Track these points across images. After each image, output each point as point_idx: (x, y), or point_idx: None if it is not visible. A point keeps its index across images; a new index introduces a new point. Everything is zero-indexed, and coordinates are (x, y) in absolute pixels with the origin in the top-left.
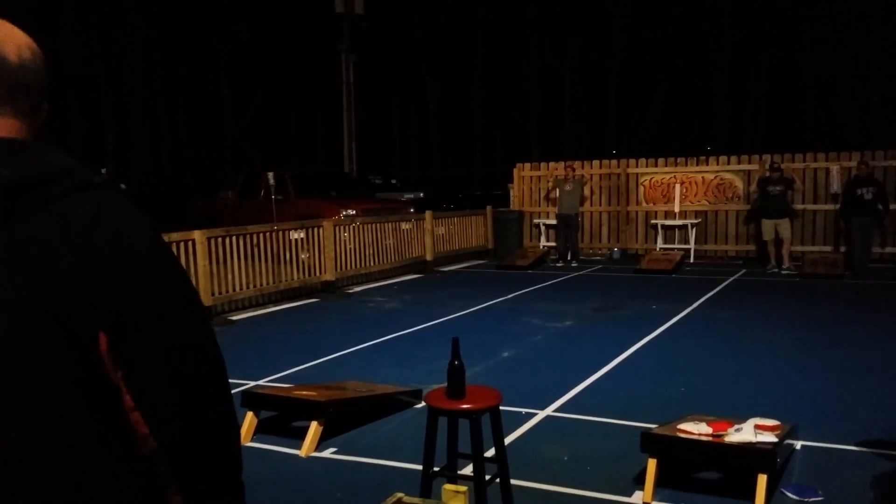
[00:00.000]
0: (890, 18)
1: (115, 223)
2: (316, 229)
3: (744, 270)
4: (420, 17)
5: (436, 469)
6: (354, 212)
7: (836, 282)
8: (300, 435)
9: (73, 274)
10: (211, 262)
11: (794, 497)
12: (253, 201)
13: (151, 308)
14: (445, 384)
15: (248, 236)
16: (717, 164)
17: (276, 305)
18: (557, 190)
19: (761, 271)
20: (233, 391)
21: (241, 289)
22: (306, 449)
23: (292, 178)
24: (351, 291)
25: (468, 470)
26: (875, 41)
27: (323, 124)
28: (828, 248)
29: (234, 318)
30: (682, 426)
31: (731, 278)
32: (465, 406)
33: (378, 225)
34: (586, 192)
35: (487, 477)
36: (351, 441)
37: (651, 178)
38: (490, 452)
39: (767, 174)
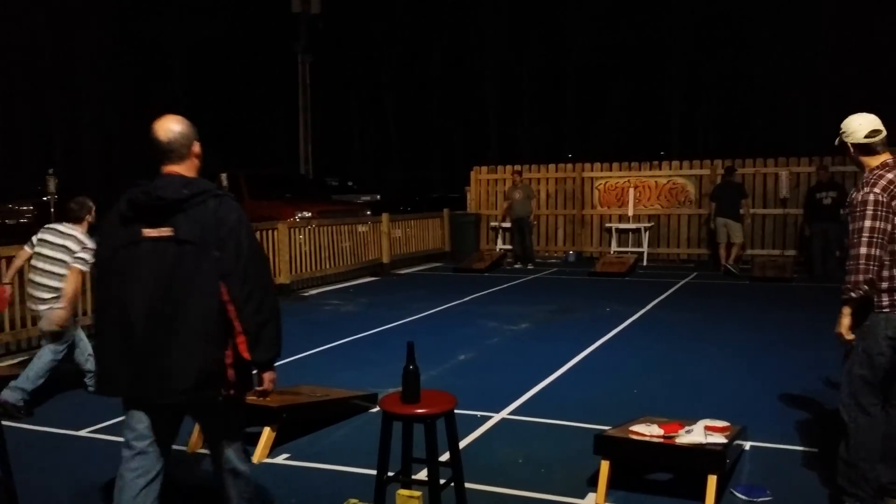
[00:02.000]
0: (839, 23)
1: (224, 209)
2: (270, 231)
3: (695, 273)
4: (378, 18)
5: (390, 474)
6: (310, 214)
7: (785, 285)
8: (252, 441)
9: (210, 228)
10: None
11: (743, 497)
12: None
13: (235, 243)
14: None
15: None
16: (670, 168)
17: None
18: (509, 200)
19: (712, 274)
20: None
21: None
22: (259, 455)
23: (246, 179)
24: (306, 294)
25: (422, 475)
26: (823, 47)
27: (278, 125)
28: (776, 252)
29: None
30: (635, 428)
31: (683, 281)
32: (420, 410)
33: (334, 227)
34: (542, 195)
35: (442, 481)
36: (304, 447)
37: (606, 183)
38: (444, 457)
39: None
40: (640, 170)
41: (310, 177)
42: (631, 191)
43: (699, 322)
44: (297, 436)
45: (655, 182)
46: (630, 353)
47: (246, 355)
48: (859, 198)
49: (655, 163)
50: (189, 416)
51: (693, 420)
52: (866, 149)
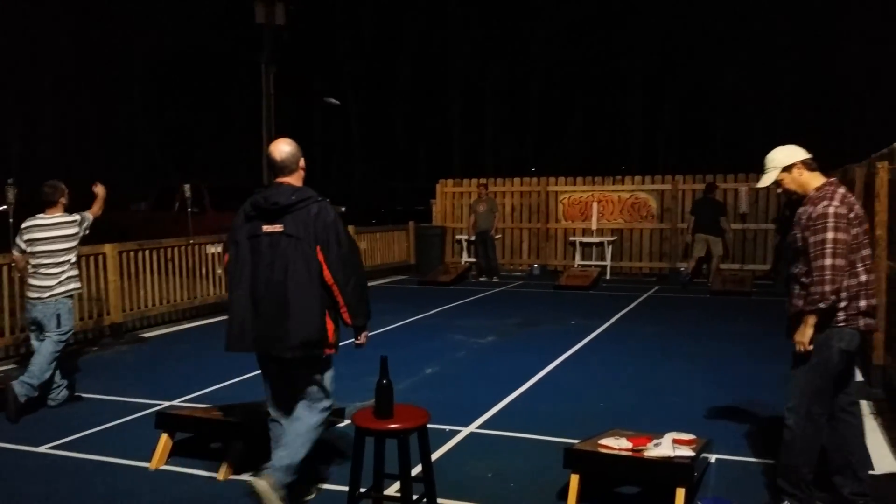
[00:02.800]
0: (797, 40)
1: (322, 212)
2: None
3: (657, 287)
4: (343, 30)
5: (362, 490)
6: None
7: (745, 298)
8: (218, 457)
9: (311, 227)
10: (122, 277)
11: None
12: (168, 214)
13: (333, 239)
14: (370, 402)
15: (162, 250)
16: (633, 183)
17: (190, 322)
18: (473, 214)
19: (673, 288)
20: (147, 412)
21: (153, 305)
22: (224, 472)
23: (209, 190)
24: None
25: (392, 490)
26: (783, 64)
27: (240, 136)
28: (736, 266)
29: (147, 335)
30: (604, 441)
31: (645, 294)
32: (393, 426)
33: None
34: (507, 209)
35: (415, 497)
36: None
37: (570, 197)
38: (415, 471)
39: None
40: (603, 184)
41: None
42: (594, 205)
43: (663, 335)
44: (264, 450)
45: (618, 196)
46: (596, 367)
47: (348, 321)
48: (819, 210)
49: (618, 178)
50: (294, 368)
51: (660, 433)
52: (812, 165)
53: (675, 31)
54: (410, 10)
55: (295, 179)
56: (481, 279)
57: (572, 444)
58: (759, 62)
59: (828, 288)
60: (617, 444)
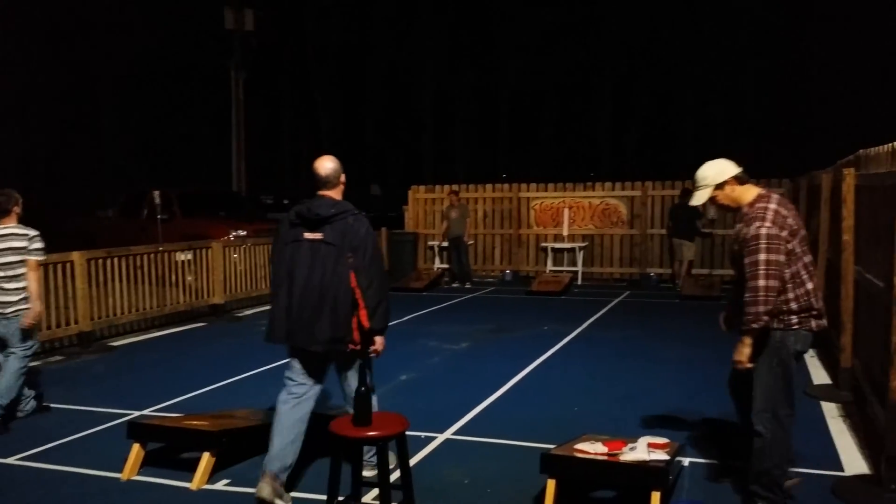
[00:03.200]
0: (761, 50)
1: (357, 224)
2: (204, 250)
3: (628, 292)
4: (313, 36)
5: (340, 499)
6: (245, 232)
7: (714, 303)
8: (191, 467)
9: (347, 236)
10: (91, 284)
11: None
12: (136, 221)
13: (364, 248)
14: (343, 409)
15: (131, 258)
16: (603, 189)
17: (160, 330)
18: (446, 220)
19: (644, 293)
20: (117, 422)
21: (122, 313)
22: (198, 481)
23: (178, 197)
24: (241, 315)
25: (369, 497)
26: (748, 69)
27: (209, 142)
28: (704, 271)
29: (115, 343)
30: (579, 446)
31: (617, 300)
32: (372, 433)
33: (269, 246)
34: (479, 215)
35: None
36: (245, 472)
37: (541, 203)
38: (392, 477)
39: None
40: (574, 190)
41: (244, 195)
42: (566, 211)
43: (635, 339)
44: (238, 461)
45: (589, 203)
46: (569, 371)
47: (366, 324)
48: (752, 232)
49: (589, 184)
50: (326, 359)
51: (635, 437)
52: (743, 179)
53: (643, 38)
54: (380, 16)
55: (335, 193)
56: (454, 285)
57: (548, 449)
58: (725, 69)
59: (761, 309)
60: (592, 448)
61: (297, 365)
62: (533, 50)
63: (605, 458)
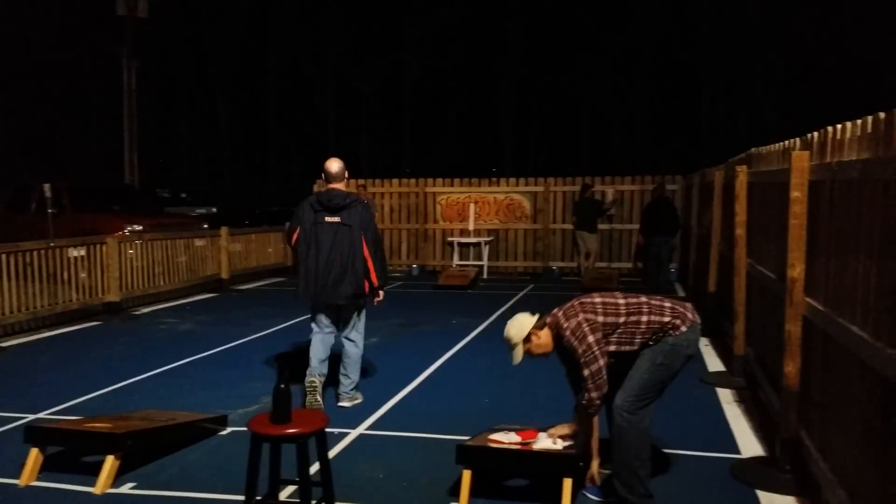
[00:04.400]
0: (656, 54)
1: (365, 210)
2: (98, 246)
3: (532, 285)
4: (211, 24)
5: (258, 498)
6: (141, 227)
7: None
8: (94, 471)
9: (358, 219)
10: None
11: (594, 498)
12: (24, 216)
13: (371, 228)
14: (252, 408)
15: (20, 254)
16: (508, 185)
17: (52, 330)
18: None
19: (547, 286)
20: (10, 426)
21: (11, 312)
22: (102, 485)
23: (70, 190)
24: (138, 313)
25: (284, 495)
26: (642, 71)
27: (102, 134)
28: (603, 265)
29: (5, 344)
30: (494, 437)
31: (522, 293)
32: (291, 430)
33: (168, 241)
34: (386, 209)
35: (314, 502)
36: (151, 474)
37: (447, 198)
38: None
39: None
40: (479, 186)
41: (139, 188)
42: (472, 206)
43: None
44: (143, 463)
45: (494, 198)
46: (478, 364)
47: (375, 282)
48: (573, 325)
49: (494, 179)
50: (342, 309)
51: (545, 427)
52: (539, 323)
53: (544, 36)
54: (280, 6)
55: (342, 186)
56: None
57: (460, 441)
58: (620, 69)
59: (597, 394)
60: (506, 438)
61: (322, 316)
62: (436, 45)
63: (519, 447)
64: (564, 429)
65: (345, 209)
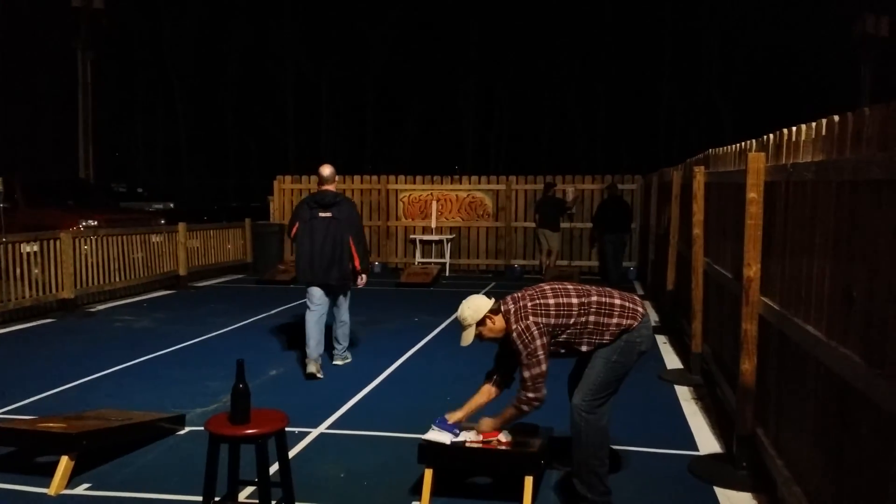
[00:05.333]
0: (616, 53)
1: (351, 205)
2: (52, 241)
3: (493, 283)
4: (168, 15)
5: (216, 499)
6: (96, 222)
7: None
8: (47, 471)
9: (346, 214)
10: None
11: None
12: None
13: (356, 221)
14: (210, 408)
15: None
16: (470, 183)
17: (4, 327)
18: None
19: (508, 284)
20: None
21: None
22: (56, 486)
23: (21, 184)
24: (93, 310)
25: (244, 496)
26: (601, 71)
27: (56, 127)
28: (564, 263)
29: None
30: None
31: (484, 290)
32: (250, 431)
33: (124, 237)
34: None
35: (273, 503)
36: (107, 475)
37: (409, 195)
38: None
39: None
40: (441, 184)
41: (93, 182)
42: (434, 203)
43: None
44: (99, 463)
45: (456, 195)
46: (440, 362)
47: (357, 267)
48: (521, 327)
49: (456, 177)
50: (333, 290)
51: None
52: (496, 308)
53: (505, 34)
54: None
55: (333, 186)
56: None
57: (428, 441)
58: (581, 67)
59: (542, 394)
60: (468, 436)
61: (316, 292)
62: (396, 42)
63: (480, 445)
64: (489, 423)
65: (335, 206)
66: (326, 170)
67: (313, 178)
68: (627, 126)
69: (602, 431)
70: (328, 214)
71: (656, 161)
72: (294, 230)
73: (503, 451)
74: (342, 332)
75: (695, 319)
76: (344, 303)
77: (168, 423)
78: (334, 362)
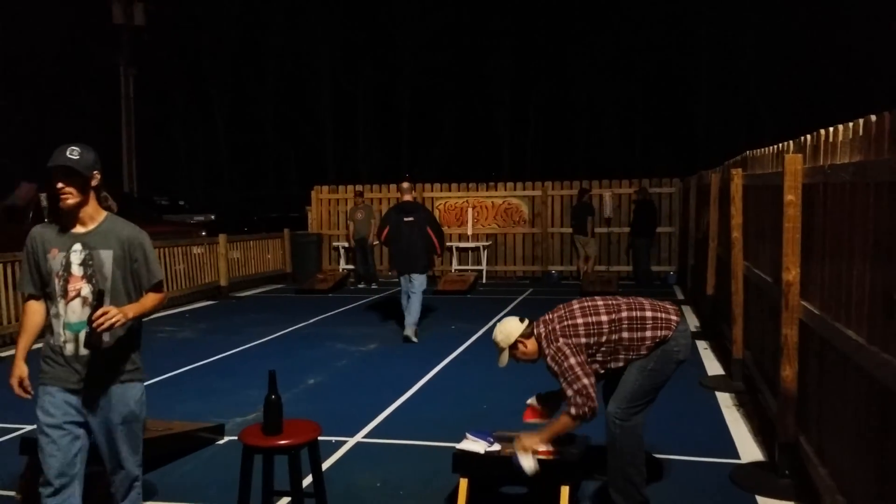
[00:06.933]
0: (652, 56)
1: (427, 210)
2: None
3: (531, 289)
4: (206, 31)
5: None
6: None
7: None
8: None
9: (422, 216)
10: None
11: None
12: (17, 223)
13: (433, 220)
14: (250, 417)
15: (16, 263)
16: (505, 189)
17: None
18: (351, 222)
19: (546, 290)
20: (9, 437)
21: (8, 322)
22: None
23: None
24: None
25: None
26: (636, 73)
27: (98, 140)
28: (602, 268)
29: (3, 355)
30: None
31: (521, 297)
32: (283, 442)
33: (167, 249)
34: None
35: None
36: (148, 485)
37: (445, 202)
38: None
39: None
40: (477, 191)
41: (136, 195)
42: (469, 210)
43: None
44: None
45: (492, 202)
46: (477, 369)
47: (438, 251)
48: (553, 351)
49: (492, 184)
50: (415, 276)
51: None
52: (527, 332)
53: (538, 39)
54: (275, 10)
55: (411, 196)
56: (360, 286)
57: (457, 449)
58: (616, 71)
59: (595, 405)
60: (503, 446)
61: (405, 282)
62: (430, 49)
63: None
64: (535, 439)
65: (415, 212)
66: (406, 185)
67: (350, 187)
68: (665, 128)
69: (638, 439)
70: (411, 219)
71: (695, 163)
72: (385, 233)
73: (539, 461)
74: (414, 308)
75: (735, 324)
76: (421, 285)
77: (208, 432)
78: (406, 333)
